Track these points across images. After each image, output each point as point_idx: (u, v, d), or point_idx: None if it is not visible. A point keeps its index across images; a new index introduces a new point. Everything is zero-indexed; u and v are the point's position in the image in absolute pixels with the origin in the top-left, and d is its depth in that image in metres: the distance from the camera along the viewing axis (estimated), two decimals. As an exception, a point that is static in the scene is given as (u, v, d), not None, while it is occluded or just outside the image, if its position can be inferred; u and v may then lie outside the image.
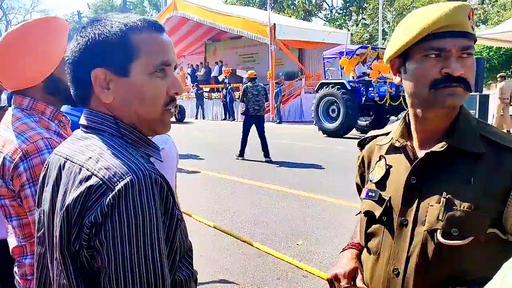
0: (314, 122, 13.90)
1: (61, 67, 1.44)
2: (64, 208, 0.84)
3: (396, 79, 1.19)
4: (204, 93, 21.49)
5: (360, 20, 33.76)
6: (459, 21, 1.06)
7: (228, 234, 4.75)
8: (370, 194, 1.21)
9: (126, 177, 0.81)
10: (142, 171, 0.83)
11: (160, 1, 30.39)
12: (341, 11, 35.42)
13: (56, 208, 0.90)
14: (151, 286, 0.80)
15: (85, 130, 0.96)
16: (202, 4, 20.54)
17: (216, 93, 21.27)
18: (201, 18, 20.10)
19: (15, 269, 1.42)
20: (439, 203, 1.07)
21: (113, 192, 0.80)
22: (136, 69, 0.92)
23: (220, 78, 21.97)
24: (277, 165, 8.65)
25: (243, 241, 4.52)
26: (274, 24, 17.48)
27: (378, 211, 1.18)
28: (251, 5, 34.76)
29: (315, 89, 14.99)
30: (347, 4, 34.28)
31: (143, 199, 0.81)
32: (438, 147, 1.10)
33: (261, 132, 9.18)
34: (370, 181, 1.24)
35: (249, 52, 23.39)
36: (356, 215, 1.33)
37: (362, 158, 1.34)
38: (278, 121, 18.01)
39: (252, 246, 4.39)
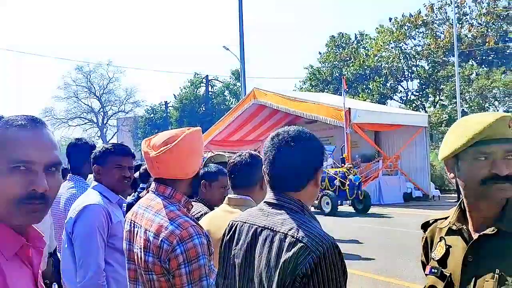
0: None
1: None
2: (281, 263, 1.21)
3: (450, 175, 1.40)
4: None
5: (437, 102, 33.35)
6: (500, 132, 1.27)
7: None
8: (433, 270, 1.41)
9: (322, 244, 1.21)
10: (331, 240, 1.22)
11: (239, 90, 32.57)
12: (417, 93, 35.33)
13: (255, 261, 1.30)
14: None
15: (272, 206, 1.34)
16: (279, 92, 21.69)
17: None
18: (277, 105, 21.10)
19: None
20: (493, 278, 1.24)
21: (316, 254, 1.17)
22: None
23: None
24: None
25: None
26: (349, 108, 17.89)
27: (440, 285, 1.36)
28: (326, 91, 35.84)
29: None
30: (423, 86, 34.20)
31: (336, 261, 1.19)
32: (489, 230, 1.29)
33: None
34: (433, 259, 1.43)
35: (324, 135, 23.84)
36: (422, 290, 1.49)
37: (426, 238, 1.54)
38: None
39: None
